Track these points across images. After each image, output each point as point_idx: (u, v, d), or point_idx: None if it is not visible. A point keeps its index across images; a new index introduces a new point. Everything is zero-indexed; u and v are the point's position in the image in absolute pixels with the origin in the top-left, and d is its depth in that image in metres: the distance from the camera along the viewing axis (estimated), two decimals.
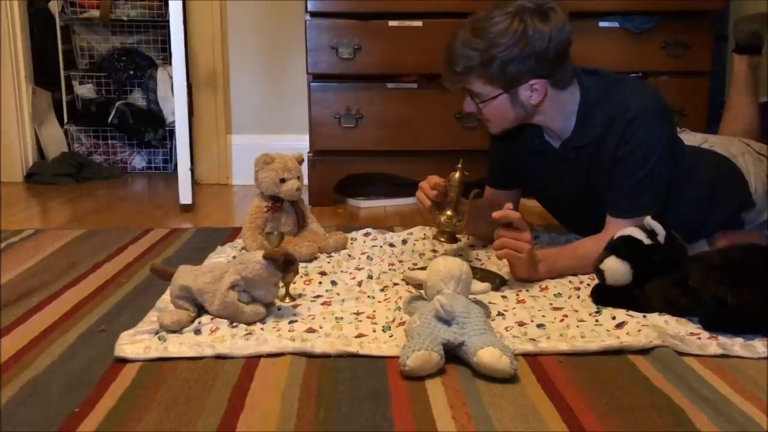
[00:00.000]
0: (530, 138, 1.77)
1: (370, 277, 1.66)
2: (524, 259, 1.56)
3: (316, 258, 1.83)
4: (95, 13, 3.33)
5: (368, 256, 1.84)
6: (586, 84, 1.68)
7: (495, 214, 1.54)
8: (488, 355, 1.12)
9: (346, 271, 1.72)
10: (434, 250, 1.89)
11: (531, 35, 1.55)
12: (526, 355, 1.22)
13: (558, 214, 2.00)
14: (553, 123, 1.70)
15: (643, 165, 1.61)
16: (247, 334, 1.31)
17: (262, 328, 1.35)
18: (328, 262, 1.79)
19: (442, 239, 1.69)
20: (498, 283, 1.59)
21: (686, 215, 1.70)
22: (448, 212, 1.68)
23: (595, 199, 1.70)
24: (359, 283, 1.63)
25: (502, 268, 1.68)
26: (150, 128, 3.40)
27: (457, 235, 1.72)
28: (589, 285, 1.56)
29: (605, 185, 1.66)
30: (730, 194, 1.83)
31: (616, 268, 1.44)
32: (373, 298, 1.54)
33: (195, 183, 2.98)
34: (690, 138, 1.92)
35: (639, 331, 1.29)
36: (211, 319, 1.38)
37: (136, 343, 1.26)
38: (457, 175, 1.68)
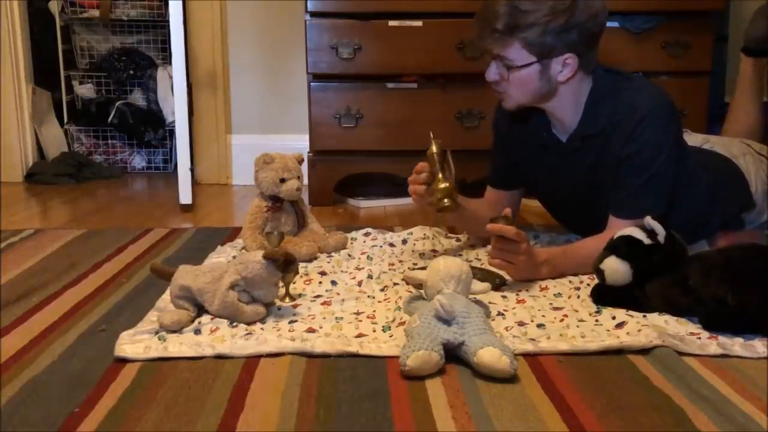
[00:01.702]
0: (537, 131, 1.76)
1: (370, 277, 1.66)
2: (517, 268, 1.56)
3: (316, 258, 1.83)
4: (95, 13, 3.33)
5: (368, 256, 1.84)
6: (598, 78, 1.68)
7: (489, 227, 1.54)
8: (488, 355, 1.12)
9: (346, 271, 1.72)
10: (434, 250, 1.89)
11: (579, 7, 1.55)
12: (526, 355, 1.22)
13: (559, 213, 2.00)
14: (564, 111, 1.69)
15: (650, 165, 1.61)
16: (247, 334, 1.31)
17: (262, 328, 1.35)
18: (328, 262, 1.79)
19: (445, 204, 1.66)
20: (498, 283, 1.59)
21: (687, 216, 1.70)
22: (439, 178, 1.67)
23: (598, 197, 1.70)
24: (359, 283, 1.63)
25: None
26: (150, 128, 3.40)
27: (444, 242, 1.73)
28: (589, 285, 1.56)
29: (610, 184, 1.66)
30: (731, 195, 1.83)
31: (616, 268, 1.44)
32: (373, 298, 1.54)
33: (195, 183, 2.98)
34: (691, 139, 1.92)
35: (639, 331, 1.29)
36: (211, 319, 1.38)
37: (136, 343, 1.26)
38: (433, 147, 1.70)
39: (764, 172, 1.89)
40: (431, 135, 1.71)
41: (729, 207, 1.82)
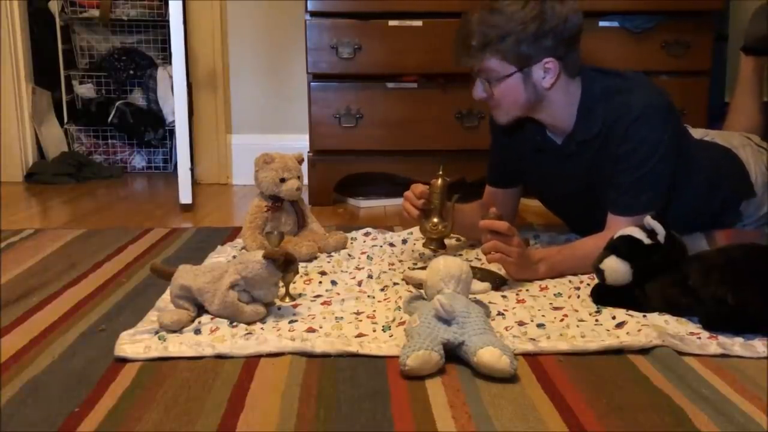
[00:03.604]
0: (532, 135, 1.77)
1: (370, 276, 1.66)
2: (514, 263, 1.57)
3: (316, 258, 1.83)
4: (95, 12, 3.33)
5: (368, 256, 1.84)
6: (589, 80, 1.68)
7: (482, 224, 1.56)
8: (488, 355, 1.12)
9: (346, 271, 1.72)
10: (434, 250, 1.89)
11: (548, 13, 1.57)
12: (526, 355, 1.22)
13: (559, 213, 2.00)
14: (556, 117, 1.69)
15: (646, 162, 1.61)
16: (247, 333, 1.31)
17: (262, 328, 1.35)
18: (328, 262, 1.79)
19: (432, 247, 1.74)
20: (498, 283, 1.59)
21: (687, 203, 1.70)
22: (434, 219, 1.71)
23: (597, 198, 1.70)
24: (359, 283, 1.63)
25: (501, 268, 1.68)
26: (150, 128, 3.40)
27: (445, 240, 1.75)
28: (589, 285, 1.56)
29: (607, 184, 1.66)
30: (731, 183, 1.83)
31: (616, 268, 1.44)
32: (373, 297, 1.54)
33: (195, 183, 2.98)
34: (690, 132, 1.92)
35: (639, 330, 1.29)
36: (211, 318, 1.38)
37: (136, 343, 1.26)
38: (439, 181, 1.71)
39: (764, 164, 1.89)
40: (440, 168, 1.72)
41: (729, 194, 1.82)
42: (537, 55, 1.60)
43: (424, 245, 1.76)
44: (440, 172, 1.71)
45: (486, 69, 1.64)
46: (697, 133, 1.97)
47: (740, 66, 2.28)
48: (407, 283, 1.60)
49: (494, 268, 1.69)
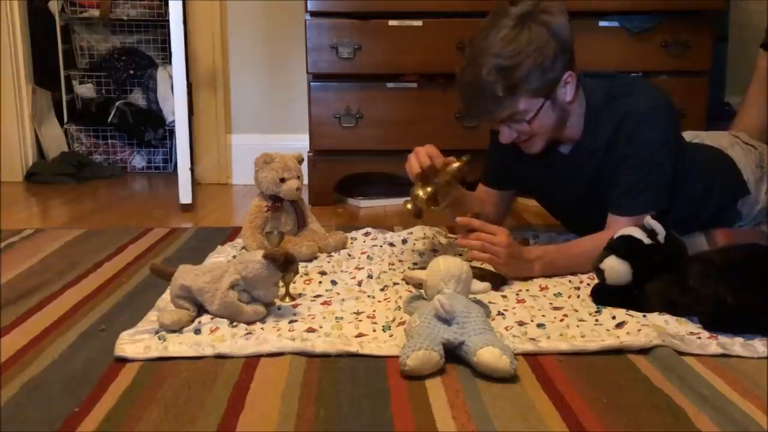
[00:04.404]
0: None
1: (370, 276, 1.66)
2: (503, 263, 1.57)
3: (316, 258, 1.83)
4: (95, 12, 3.34)
5: (368, 256, 1.84)
6: (590, 87, 1.68)
7: (458, 220, 1.57)
8: (488, 355, 1.12)
9: (346, 271, 1.72)
10: (434, 250, 1.89)
11: (554, 29, 1.53)
12: (526, 355, 1.22)
13: (559, 217, 2.00)
14: (572, 128, 1.68)
15: (648, 163, 1.61)
16: (247, 333, 1.31)
17: (262, 328, 1.35)
18: (328, 262, 1.79)
19: (409, 207, 1.66)
20: (498, 283, 1.59)
21: (683, 207, 1.70)
22: (429, 189, 1.64)
23: (600, 200, 1.69)
24: (359, 283, 1.63)
25: None
26: (150, 128, 3.40)
27: (444, 240, 1.73)
28: (589, 285, 1.56)
29: (609, 185, 1.66)
30: (725, 183, 1.83)
31: (616, 268, 1.44)
32: (373, 297, 1.54)
33: (195, 183, 2.97)
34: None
35: (639, 330, 1.29)
36: (211, 318, 1.38)
37: (136, 343, 1.26)
38: (456, 164, 1.64)
39: (754, 162, 1.89)
40: (467, 156, 1.64)
41: (724, 195, 1.83)
42: (558, 75, 1.57)
43: (404, 203, 1.68)
44: (464, 157, 1.64)
45: (516, 113, 1.58)
46: (687, 135, 1.97)
47: (757, 63, 2.28)
48: (407, 283, 1.60)
49: (492, 268, 1.69)
